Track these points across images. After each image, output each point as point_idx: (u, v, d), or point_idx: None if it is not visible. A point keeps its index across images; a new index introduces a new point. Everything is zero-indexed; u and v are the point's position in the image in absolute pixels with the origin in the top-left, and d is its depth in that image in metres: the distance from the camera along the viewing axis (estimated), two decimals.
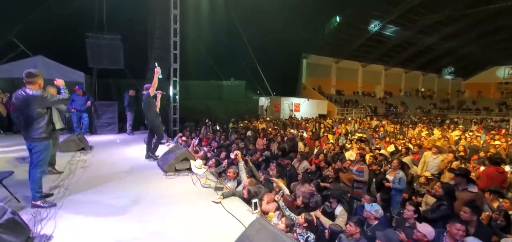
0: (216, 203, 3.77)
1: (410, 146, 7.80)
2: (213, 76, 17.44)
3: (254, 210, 3.47)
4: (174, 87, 9.41)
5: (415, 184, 5.41)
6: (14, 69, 8.24)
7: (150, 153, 6.10)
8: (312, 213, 3.64)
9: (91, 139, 7.70)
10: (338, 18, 22.19)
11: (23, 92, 3.37)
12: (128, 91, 9.08)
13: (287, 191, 4.53)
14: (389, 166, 5.60)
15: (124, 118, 9.34)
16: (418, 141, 9.23)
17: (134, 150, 6.86)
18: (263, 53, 17.74)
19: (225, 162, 6.18)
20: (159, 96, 6.21)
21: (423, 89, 33.70)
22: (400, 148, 7.79)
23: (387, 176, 5.11)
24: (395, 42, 24.88)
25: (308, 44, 23.03)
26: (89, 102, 8.22)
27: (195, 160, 5.27)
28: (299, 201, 4.50)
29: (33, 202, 3.49)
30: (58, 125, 5.29)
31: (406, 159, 6.47)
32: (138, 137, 8.56)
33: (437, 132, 12.27)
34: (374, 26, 22.12)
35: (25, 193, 3.71)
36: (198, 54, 14.20)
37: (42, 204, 3.49)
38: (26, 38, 9.42)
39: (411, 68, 31.36)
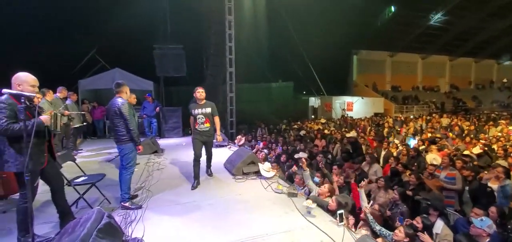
0: (308, 207, 3.48)
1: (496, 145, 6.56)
2: (261, 79, 17.57)
3: (340, 222, 3.17)
4: (231, 91, 9.57)
5: None
6: (96, 81, 9.36)
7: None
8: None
9: (160, 142, 8.18)
10: (392, 8, 20.44)
11: (115, 101, 3.65)
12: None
13: (365, 200, 4.14)
14: (485, 172, 4.75)
15: (186, 122, 9.81)
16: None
17: None
18: (310, 52, 17.24)
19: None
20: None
21: (505, 80, 28.50)
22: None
23: (490, 185, 4.30)
24: (461, 28, 21.79)
25: (358, 40, 21.66)
26: (157, 108, 8.79)
27: (263, 164, 5.18)
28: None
29: (122, 203, 3.70)
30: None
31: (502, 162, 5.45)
32: None
33: None
34: (435, 13, 19.69)
35: (114, 193, 4.00)
36: (248, 58, 14.35)
37: (130, 206, 3.67)
38: (105, 54, 10.66)
39: (483, 56, 27.19)
